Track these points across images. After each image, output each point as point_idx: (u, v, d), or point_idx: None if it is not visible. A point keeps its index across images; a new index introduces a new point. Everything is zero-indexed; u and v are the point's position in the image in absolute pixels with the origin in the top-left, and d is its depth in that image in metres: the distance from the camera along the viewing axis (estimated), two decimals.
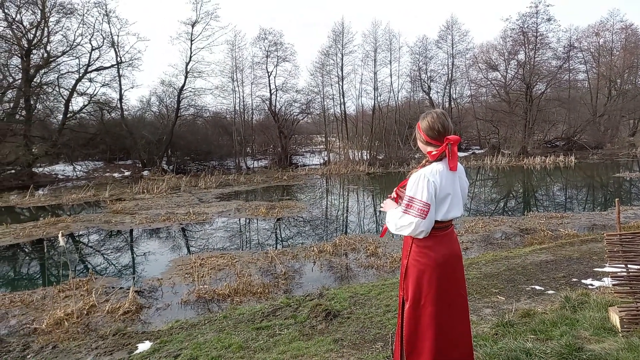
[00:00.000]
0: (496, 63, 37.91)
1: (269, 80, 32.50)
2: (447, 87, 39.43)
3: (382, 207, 2.68)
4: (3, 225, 12.37)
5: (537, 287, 5.43)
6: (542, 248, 7.97)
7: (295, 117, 34.11)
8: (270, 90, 32.51)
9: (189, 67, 29.46)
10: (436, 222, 2.37)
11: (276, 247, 9.74)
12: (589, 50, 38.80)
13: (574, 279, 5.73)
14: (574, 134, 36.43)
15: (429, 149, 2.47)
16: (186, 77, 29.48)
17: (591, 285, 5.43)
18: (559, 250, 7.62)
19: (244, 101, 32.95)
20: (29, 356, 4.49)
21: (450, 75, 38.85)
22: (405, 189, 2.47)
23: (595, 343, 3.30)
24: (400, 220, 2.39)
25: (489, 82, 38.83)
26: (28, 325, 5.58)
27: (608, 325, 3.58)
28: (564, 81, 37.42)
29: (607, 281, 5.35)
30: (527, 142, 34.20)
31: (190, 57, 29.44)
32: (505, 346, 3.27)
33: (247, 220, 13.17)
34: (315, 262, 8.31)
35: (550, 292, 5.22)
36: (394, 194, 2.66)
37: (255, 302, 6.09)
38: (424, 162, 2.50)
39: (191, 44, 29.39)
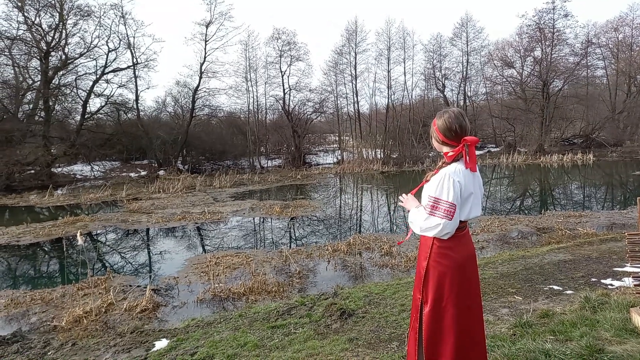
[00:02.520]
0: (512, 60, 37.44)
1: (283, 79, 32.63)
2: (462, 84, 39.10)
3: (401, 202, 2.64)
4: (23, 225, 12.63)
5: (556, 287, 5.35)
6: (560, 247, 7.84)
7: (308, 116, 34.13)
8: (284, 89, 32.63)
9: (203, 67, 29.72)
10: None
11: (290, 246, 9.76)
12: (607, 46, 38.07)
13: (594, 279, 5.62)
14: (592, 131, 35.75)
15: (445, 149, 2.44)
16: (201, 78, 29.73)
17: (611, 285, 5.32)
18: (577, 249, 7.49)
19: (257, 101, 33.14)
20: (50, 353, 4.57)
21: (465, 72, 38.51)
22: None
23: (616, 344, 3.23)
24: (426, 222, 2.34)
25: (504, 80, 38.36)
26: (48, 323, 5.69)
27: (630, 327, 3.51)
28: (582, 78, 36.76)
29: (628, 281, 5.24)
30: (544, 139, 33.69)
31: (205, 57, 29.69)
32: (523, 347, 3.23)
33: (262, 220, 13.23)
34: (329, 261, 8.31)
35: (569, 292, 5.14)
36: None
37: (270, 301, 6.12)
38: (440, 163, 2.46)
39: (205, 45, 29.64)
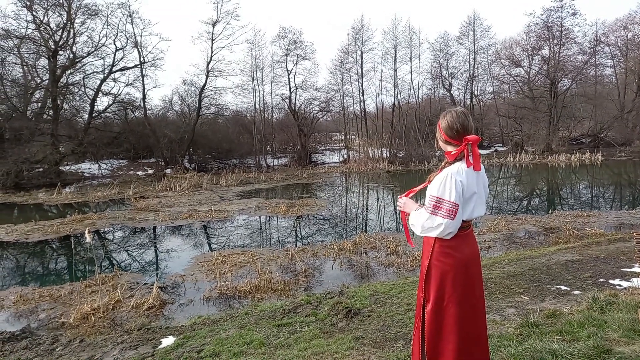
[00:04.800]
0: (519, 59, 37.24)
1: (289, 78, 32.67)
2: (469, 83, 38.91)
3: (399, 207, 2.64)
4: (32, 222, 12.75)
5: (563, 287, 5.32)
6: (567, 247, 7.79)
7: (314, 115, 34.15)
8: (290, 88, 32.67)
9: (210, 66, 29.82)
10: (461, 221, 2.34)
11: (296, 245, 9.77)
12: (616, 45, 37.71)
13: (601, 279, 5.58)
14: (601, 130, 35.46)
15: (449, 148, 2.44)
16: (207, 76, 29.83)
17: (619, 285, 5.28)
18: (585, 249, 7.44)
19: (264, 100, 33.21)
20: (58, 349, 4.61)
21: (471, 71, 38.34)
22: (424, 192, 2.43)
23: (624, 345, 3.21)
24: (428, 222, 2.33)
25: (511, 79, 38.18)
26: (56, 319, 5.75)
27: (638, 327, 3.48)
28: (590, 77, 36.47)
29: (637, 282, 5.21)
30: (552, 139, 33.47)
31: (211, 56, 29.80)
32: (530, 347, 3.21)
33: (268, 218, 13.26)
34: (335, 260, 8.31)
35: (576, 292, 5.10)
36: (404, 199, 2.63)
37: (276, 299, 6.13)
38: (443, 163, 2.47)
39: (212, 44, 29.74)
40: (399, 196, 2.69)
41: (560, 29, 33.90)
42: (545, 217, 11.70)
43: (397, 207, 2.69)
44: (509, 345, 3.34)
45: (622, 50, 37.85)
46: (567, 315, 4.07)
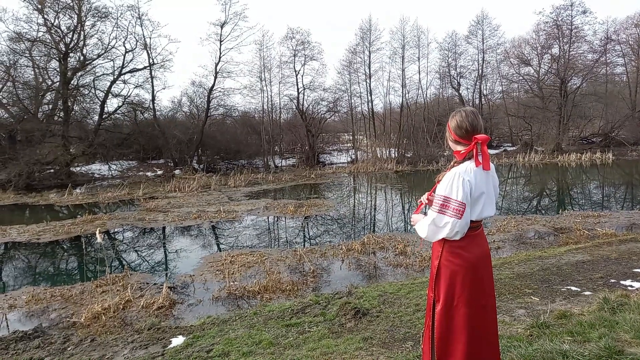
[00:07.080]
0: (529, 58, 36.94)
1: (297, 79, 32.66)
2: (478, 83, 38.68)
3: (412, 223, 2.64)
4: (43, 223, 12.90)
5: (573, 288, 5.27)
6: (577, 248, 7.73)
7: (322, 115, 34.13)
8: (297, 89, 32.68)
9: (218, 67, 29.92)
10: (470, 221, 2.33)
11: (304, 245, 9.79)
12: (627, 43, 37.24)
13: (612, 280, 5.53)
14: (612, 129, 35.04)
15: (458, 148, 2.43)
16: (215, 78, 29.94)
17: (631, 286, 5.23)
18: (595, 250, 7.37)
19: (272, 100, 33.26)
20: (69, 348, 4.67)
21: (480, 71, 38.10)
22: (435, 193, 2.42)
23: (636, 346, 3.18)
24: (435, 221, 2.32)
25: (521, 78, 37.88)
26: (68, 319, 5.82)
27: None
28: (601, 75, 36.08)
29: None
30: (562, 138, 33.16)
31: (220, 57, 29.90)
32: (540, 348, 3.19)
33: (276, 219, 13.29)
34: (343, 260, 8.31)
35: (587, 293, 5.06)
36: (424, 199, 2.62)
37: (284, 300, 6.15)
38: (452, 163, 2.46)
39: (220, 45, 29.84)
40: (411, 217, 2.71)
41: (570, 27, 33.60)
42: (555, 218, 11.60)
43: (411, 224, 2.71)
44: (519, 346, 3.32)
45: (633, 49, 37.37)
46: (577, 316, 4.04)
